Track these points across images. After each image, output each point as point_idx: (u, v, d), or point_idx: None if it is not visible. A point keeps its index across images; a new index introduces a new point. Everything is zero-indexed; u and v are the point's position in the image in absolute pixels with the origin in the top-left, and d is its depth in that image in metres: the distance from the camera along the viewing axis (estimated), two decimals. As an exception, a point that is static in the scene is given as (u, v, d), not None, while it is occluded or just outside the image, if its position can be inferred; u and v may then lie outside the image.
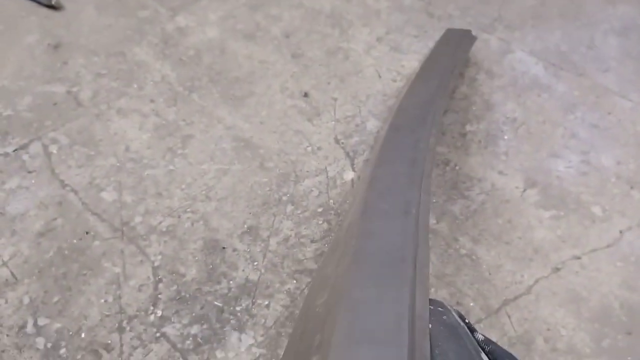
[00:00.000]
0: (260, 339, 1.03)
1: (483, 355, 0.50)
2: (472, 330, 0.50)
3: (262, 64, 1.58)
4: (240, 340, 1.03)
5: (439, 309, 0.49)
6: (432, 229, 1.20)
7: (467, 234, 1.19)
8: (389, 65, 1.58)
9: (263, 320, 1.05)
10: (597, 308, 1.09)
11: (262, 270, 1.12)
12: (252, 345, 1.02)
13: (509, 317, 1.07)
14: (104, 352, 1.01)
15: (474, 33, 1.60)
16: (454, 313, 0.49)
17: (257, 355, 1.00)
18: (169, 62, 1.57)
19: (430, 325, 0.45)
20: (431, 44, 1.63)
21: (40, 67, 1.54)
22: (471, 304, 1.08)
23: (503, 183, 1.29)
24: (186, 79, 1.52)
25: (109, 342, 1.03)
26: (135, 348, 1.02)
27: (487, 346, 0.49)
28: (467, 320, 0.51)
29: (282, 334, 1.03)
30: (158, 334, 1.03)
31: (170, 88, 1.49)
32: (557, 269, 1.14)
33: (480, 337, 0.50)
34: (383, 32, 1.68)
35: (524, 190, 1.27)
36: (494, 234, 1.19)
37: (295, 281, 1.11)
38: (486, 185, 1.28)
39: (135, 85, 1.49)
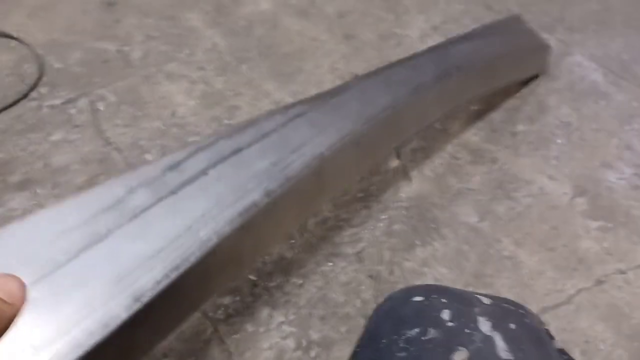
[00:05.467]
0: (291, 317, 1.01)
1: None
2: (551, 338, 0.48)
3: (313, 41, 1.55)
4: (271, 316, 1.02)
5: (520, 310, 0.47)
6: (474, 227, 1.17)
7: (511, 236, 1.16)
8: (442, 56, 1.54)
9: (295, 299, 1.04)
10: (639, 326, 1.05)
11: (298, 249, 1.11)
12: (282, 322, 1.01)
13: (548, 325, 1.04)
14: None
15: (529, 26, 1.53)
16: (534, 317, 0.47)
17: (287, 333, 0.99)
18: (220, 31, 1.55)
19: (514, 326, 0.43)
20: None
21: (92, 23, 1.54)
22: (508, 307, 1.06)
23: (551, 188, 1.25)
24: (236, 50, 1.50)
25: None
26: (167, 312, 1.02)
27: (565, 355, 0.47)
28: (546, 327, 0.49)
29: (314, 315, 1.02)
30: (190, 301, 1.03)
31: (219, 57, 1.48)
32: (601, 282, 1.10)
33: (558, 346, 0.48)
34: (439, 20, 1.63)
35: (573, 197, 1.23)
36: (538, 239, 1.16)
37: (331, 264, 1.09)
38: (534, 189, 1.24)
39: (186, 51, 1.48)
